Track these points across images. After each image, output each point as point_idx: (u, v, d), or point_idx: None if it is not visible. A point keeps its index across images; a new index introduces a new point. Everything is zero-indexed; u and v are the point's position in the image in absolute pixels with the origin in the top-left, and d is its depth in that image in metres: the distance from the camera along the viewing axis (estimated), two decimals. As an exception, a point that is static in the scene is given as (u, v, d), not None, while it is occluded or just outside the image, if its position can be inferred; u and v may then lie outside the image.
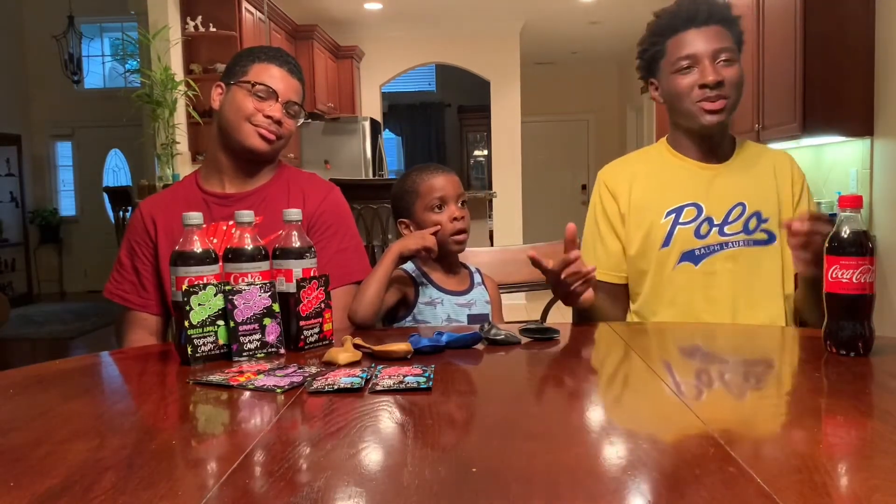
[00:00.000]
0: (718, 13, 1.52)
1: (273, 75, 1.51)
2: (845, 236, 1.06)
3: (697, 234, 1.52)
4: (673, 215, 1.54)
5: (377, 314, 1.45)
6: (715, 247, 1.51)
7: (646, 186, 1.59)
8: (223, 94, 1.54)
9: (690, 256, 1.52)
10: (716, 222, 1.52)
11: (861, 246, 1.05)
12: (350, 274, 1.52)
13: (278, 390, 0.94)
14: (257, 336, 1.15)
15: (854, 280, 1.05)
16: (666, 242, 1.53)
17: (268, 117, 1.49)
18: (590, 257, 1.61)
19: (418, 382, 0.95)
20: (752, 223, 1.52)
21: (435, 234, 1.51)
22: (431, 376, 0.98)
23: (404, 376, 0.98)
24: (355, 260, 1.55)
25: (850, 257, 1.05)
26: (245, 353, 1.14)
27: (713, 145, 1.57)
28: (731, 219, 1.52)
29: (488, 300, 1.62)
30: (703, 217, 1.53)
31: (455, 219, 1.54)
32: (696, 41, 1.50)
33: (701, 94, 1.49)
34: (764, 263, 1.52)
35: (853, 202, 1.07)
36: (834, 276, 1.07)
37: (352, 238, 1.58)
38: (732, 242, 1.51)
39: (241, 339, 1.14)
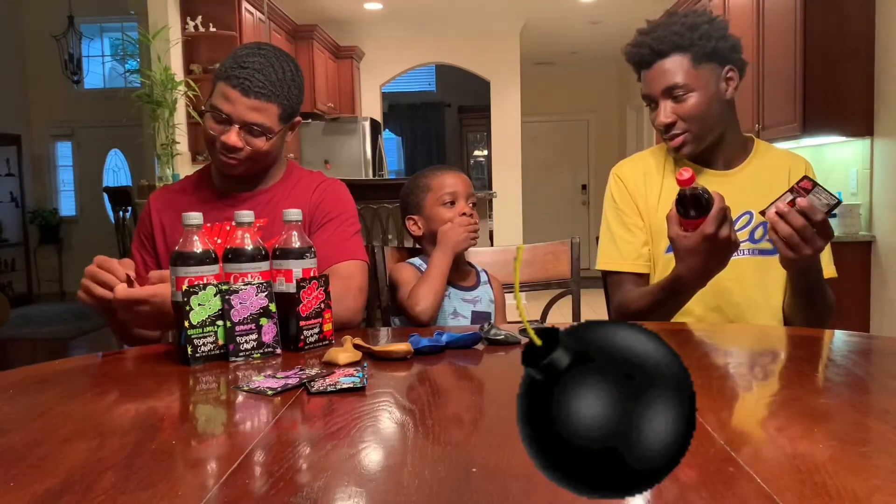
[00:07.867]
0: (665, 46, 1.47)
1: (228, 97, 1.37)
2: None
3: None
4: None
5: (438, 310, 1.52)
6: None
7: (655, 188, 1.58)
8: None
9: None
10: None
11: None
12: (358, 252, 1.50)
13: (269, 392, 0.94)
14: (254, 336, 1.15)
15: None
16: (670, 247, 1.50)
17: (223, 143, 1.40)
18: (612, 253, 1.59)
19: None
20: (759, 232, 1.50)
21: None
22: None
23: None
24: (358, 242, 1.53)
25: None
26: (241, 354, 1.14)
27: (712, 157, 1.56)
28: (736, 227, 1.47)
29: (492, 299, 1.63)
30: None
31: (464, 215, 1.55)
32: (649, 83, 1.52)
33: (663, 132, 1.53)
34: (769, 272, 1.50)
35: (688, 182, 1.24)
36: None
37: (355, 223, 1.56)
38: (737, 251, 1.49)
39: (238, 339, 1.14)
